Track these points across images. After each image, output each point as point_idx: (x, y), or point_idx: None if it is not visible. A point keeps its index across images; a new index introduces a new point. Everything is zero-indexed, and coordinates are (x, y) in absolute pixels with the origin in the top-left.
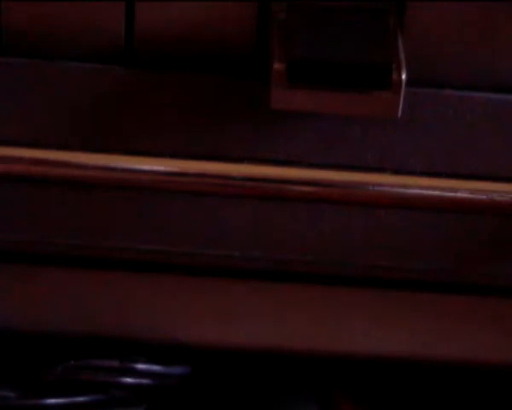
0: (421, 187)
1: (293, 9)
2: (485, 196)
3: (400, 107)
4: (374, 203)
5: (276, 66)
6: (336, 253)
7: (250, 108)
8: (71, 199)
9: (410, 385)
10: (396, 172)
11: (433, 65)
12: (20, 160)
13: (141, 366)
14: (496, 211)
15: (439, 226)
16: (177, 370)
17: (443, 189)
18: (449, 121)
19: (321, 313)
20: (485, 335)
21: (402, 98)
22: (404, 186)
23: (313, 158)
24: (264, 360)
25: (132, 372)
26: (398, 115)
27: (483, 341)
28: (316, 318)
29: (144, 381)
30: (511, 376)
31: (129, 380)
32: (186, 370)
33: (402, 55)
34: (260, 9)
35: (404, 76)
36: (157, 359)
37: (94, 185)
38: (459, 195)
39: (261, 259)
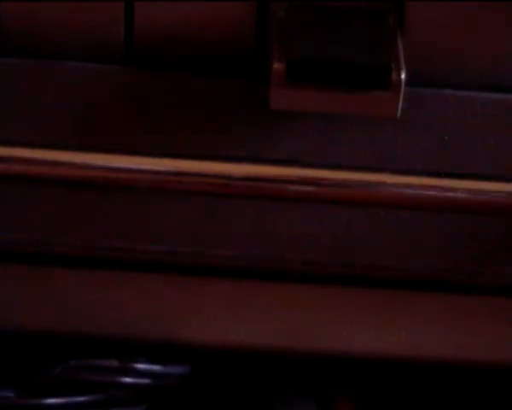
0: (421, 187)
1: (293, 9)
2: (485, 196)
3: (400, 107)
4: (374, 203)
5: (276, 65)
6: (336, 253)
7: (250, 108)
8: (71, 199)
9: (410, 385)
10: (396, 172)
11: (433, 65)
12: (20, 160)
13: (140, 366)
14: (496, 211)
15: (439, 226)
16: (176, 370)
17: (443, 189)
18: (449, 121)
19: (321, 313)
20: (485, 335)
21: (401, 98)
22: (404, 186)
23: (313, 158)
24: (264, 360)
25: (132, 372)
26: (398, 115)
27: (483, 341)
28: (316, 318)
29: (144, 381)
30: (511, 376)
31: (128, 380)
32: (186, 370)
33: (401, 55)
34: (260, 9)
35: (403, 76)
36: (157, 358)
37: (94, 185)
38: (459, 195)
39: (261, 259)
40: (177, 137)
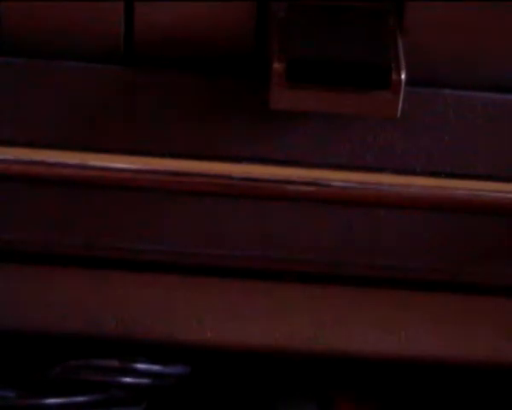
0: (421, 187)
1: (293, 9)
2: (485, 196)
3: (400, 107)
4: (374, 203)
5: (276, 65)
6: (336, 253)
7: (250, 108)
8: (71, 199)
9: (410, 385)
10: (396, 172)
11: (433, 65)
12: (20, 160)
13: (140, 366)
14: (496, 211)
15: (439, 226)
16: (176, 370)
17: (443, 189)
18: (449, 121)
19: (321, 313)
20: (484, 335)
21: (401, 98)
22: (404, 186)
23: (313, 158)
24: (264, 360)
25: (132, 372)
26: (398, 115)
27: (482, 341)
28: (316, 318)
29: (144, 381)
30: (511, 376)
31: (128, 380)
32: (185, 370)
33: (402, 55)
34: (260, 9)
35: (403, 76)
36: (156, 359)
37: (94, 185)
38: (459, 195)
39: (261, 259)
40: (177, 137)
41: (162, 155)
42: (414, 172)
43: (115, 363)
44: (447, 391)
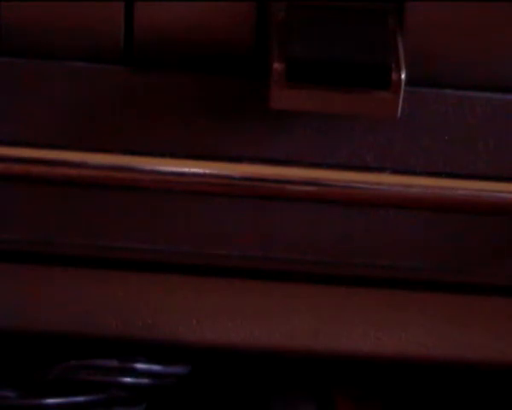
0: (420, 187)
1: (293, 9)
2: (485, 196)
3: (400, 107)
4: (374, 203)
5: (276, 65)
6: (336, 253)
7: (250, 108)
8: (71, 199)
9: (410, 385)
10: (396, 171)
11: (433, 65)
12: (20, 160)
13: (140, 366)
14: (496, 211)
15: (439, 226)
16: (176, 369)
17: (443, 189)
18: (449, 121)
19: (321, 313)
20: (484, 335)
21: (401, 98)
22: (404, 186)
23: (313, 158)
24: (264, 360)
25: (132, 372)
26: (398, 115)
27: (482, 341)
28: (316, 318)
29: (144, 381)
30: (511, 376)
31: (128, 380)
32: (186, 369)
33: (402, 55)
34: (260, 9)
35: (403, 76)
36: (156, 358)
37: (94, 185)
38: (459, 195)
39: (261, 259)
40: (177, 137)
41: (162, 155)
42: (414, 172)
43: (115, 363)
44: (447, 391)
